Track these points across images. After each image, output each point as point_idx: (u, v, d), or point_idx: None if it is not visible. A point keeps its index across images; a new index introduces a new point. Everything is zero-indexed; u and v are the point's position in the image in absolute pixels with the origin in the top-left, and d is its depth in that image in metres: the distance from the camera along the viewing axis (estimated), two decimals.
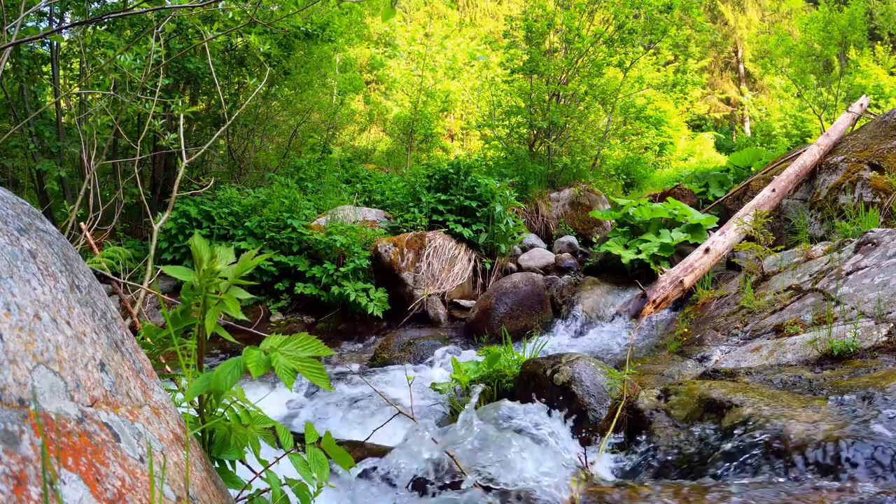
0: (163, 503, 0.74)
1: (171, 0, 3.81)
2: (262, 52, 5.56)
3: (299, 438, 1.17)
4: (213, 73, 3.99)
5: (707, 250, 4.48)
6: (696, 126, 20.47)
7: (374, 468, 1.91)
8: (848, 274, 3.12)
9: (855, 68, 10.78)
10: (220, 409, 1.10)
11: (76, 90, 5.17)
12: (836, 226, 4.48)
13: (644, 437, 1.86)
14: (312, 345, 1.06)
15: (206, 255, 1.06)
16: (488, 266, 5.56)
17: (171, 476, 0.80)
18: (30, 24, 5.21)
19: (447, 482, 1.70)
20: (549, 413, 2.19)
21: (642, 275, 4.90)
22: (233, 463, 1.10)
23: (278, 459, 1.11)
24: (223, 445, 1.07)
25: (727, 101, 22.99)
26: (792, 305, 3.14)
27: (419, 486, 1.75)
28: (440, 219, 5.62)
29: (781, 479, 1.41)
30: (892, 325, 2.33)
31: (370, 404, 2.98)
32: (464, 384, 2.80)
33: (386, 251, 5.04)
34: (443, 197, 5.68)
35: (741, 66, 23.10)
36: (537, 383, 2.46)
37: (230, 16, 3.35)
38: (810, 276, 3.47)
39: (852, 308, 2.67)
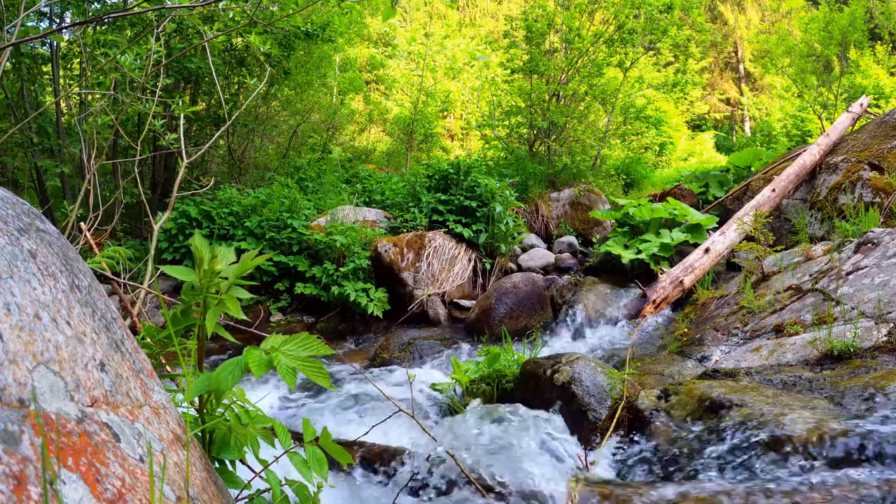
0: (163, 503, 0.74)
1: (172, 0, 3.81)
2: (263, 52, 5.56)
3: (299, 437, 1.17)
4: (214, 73, 3.99)
5: (707, 250, 4.48)
6: (696, 126, 20.48)
7: (374, 466, 1.91)
8: (848, 274, 3.12)
9: (855, 68, 10.76)
10: (220, 409, 1.10)
11: (76, 90, 5.17)
12: (836, 226, 4.48)
13: (644, 436, 1.86)
14: (313, 344, 1.06)
15: (207, 255, 1.06)
16: (488, 266, 5.56)
17: (171, 476, 0.80)
18: (30, 24, 5.21)
19: (447, 481, 1.70)
20: (549, 413, 2.19)
21: (642, 275, 4.90)
22: (233, 463, 1.10)
23: (277, 458, 1.12)
24: (223, 445, 1.07)
25: (727, 101, 23.00)
26: (792, 305, 3.14)
27: (419, 484, 1.75)
28: (440, 219, 5.62)
29: (782, 478, 1.41)
30: (892, 325, 2.33)
31: (370, 404, 2.98)
32: (464, 384, 2.80)
33: (386, 251, 5.04)
34: (443, 197, 5.68)
35: (741, 66, 23.11)
36: (537, 383, 2.46)
37: (230, 16, 3.35)
38: (810, 276, 3.47)
39: (852, 308, 2.67)
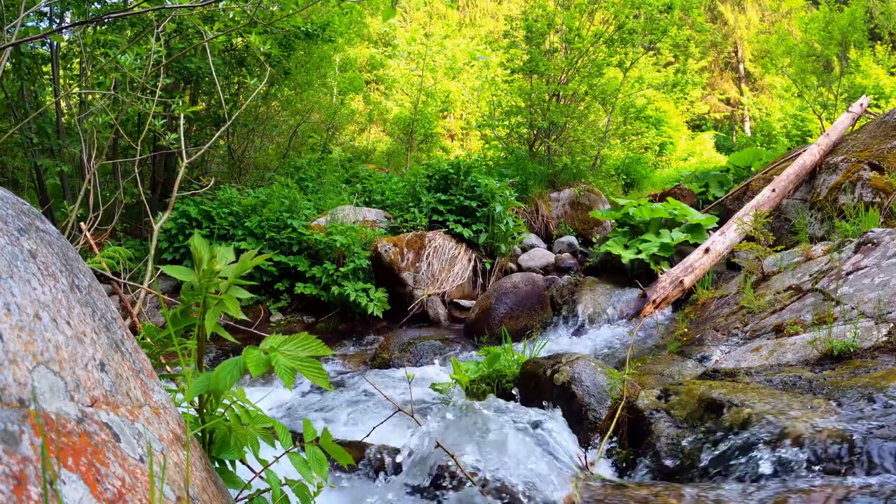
0: (163, 503, 0.74)
1: (172, 0, 3.81)
2: (263, 52, 5.56)
3: (299, 437, 1.17)
4: (214, 73, 3.99)
5: (707, 250, 4.48)
6: (696, 126, 20.47)
7: (374, 466, 1.91)
8: (848, 274, 3.12)
9: (855, 68, 10.75)
10: (220, 409, 1.10)
11: (76, 90, 5.17)
12: (836, 226, 4.48)
13: (644, 437, 1.86)
14: (312, 345, 1.06)
15: (207, 255, 1.06)
16: (488, 266, 5.56)
17: (171, 476, 0.80)
18: (30, 24, 5.21)
19: (448, 482, 1.70)
20: (549, 413, 2.19)
21: (642, 275, 4.90)
22: (233, 463, 1.10)
23: (277, 459, 1.12)
24: (223, 445, 1.07)
25: (727, 101, 22.99)
26: (792, 305, 3.13)
27: (418, 484, 1.75)
28: (440, 219, 5.62)
29: (782, 479, 1.41)
30: (892, 325, 2.33)
31: (370, 404, 2.98)
32: (464, 384, 2.80)
33: (386, 251, 5.04)
34: (443, 197, 5.68)
35: (741, 66, 23.10)
36: (537, 383, 2.46)
37: (230, 16, 3.35)
38: (810, 276, 3.47)
39: (852, 308, 2.67)
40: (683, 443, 1.73)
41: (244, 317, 1.13)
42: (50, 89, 6.27)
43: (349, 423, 2.78)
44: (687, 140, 16.29)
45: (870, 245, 3.33)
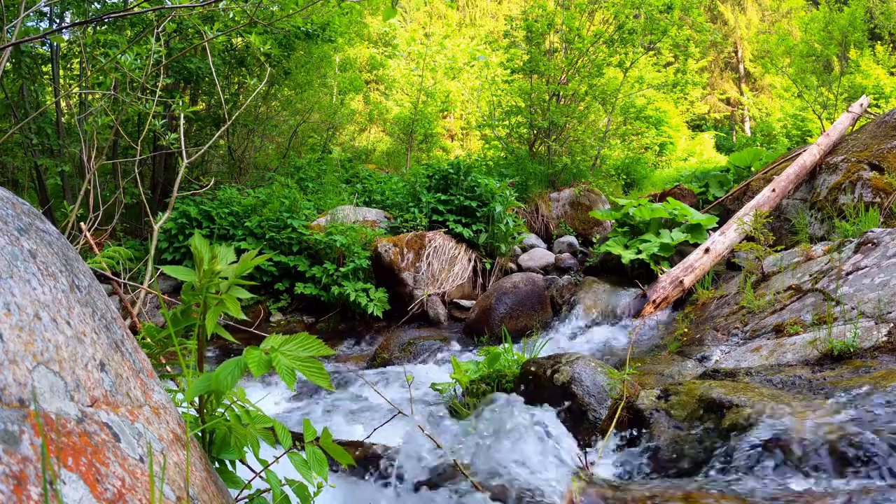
0: (163, 503, 0.74)
1: (172, 0, 3.81)
2: (263, 52, 5.55)
3: (299, 437, 1.17)
4: (214, 73, 3.99)
5: (707, 250, 4.48)
6: (696, 126, 20.47)
7: (375, 467, 1.91)
8: (848, 274, 3.12)
9: (855, 68, 10.76)
10: (221, 409, 1.10)
11: (76, 90, 5.17)
12: (836, 226, 4.48)
13: (644, 437, 1.86)
14: (313, 345, 1.06)
15: (207, 255, 1.06)
16: (488, 266, 5.56)
17: (171, 476, 0.80)
18: (30, 24, 5.22)
19: (447, 481, 1.70)
20: (548, 413, 2.19)
21: (642, 275, 4.90)
22: (233, 463, 1.10)
23: (277, 459, 1.12)
24: (223, 445, 1.07)
25: (727, 101, 22.99)
26: (792, 305, 3.14)
27: (419, 485, 1.75)
28: (440, 219, 5.62)
29: (782, 479, 1.41)
30: (892, 325, 2.33)
31: (370, 404, 2.98)
32: (464, 384, 2.80)
33: (386, 251, 5.04)
34: (443, 197, 5.68)
35: (741, 66, 23.10)
36: (537, 383, 2.46)
37: (230, 16, 3.35)
38: (810, 276, 3.47)
39: (852, 308, 2.67)
40: (683, 443, 1.73)
41: (244, 317, 1.13)
42: (50, 89, 6.27)
43: (349, 423, 2.78)
44: (687, 140, 16.29)
45: (870, 245, 3.33)
